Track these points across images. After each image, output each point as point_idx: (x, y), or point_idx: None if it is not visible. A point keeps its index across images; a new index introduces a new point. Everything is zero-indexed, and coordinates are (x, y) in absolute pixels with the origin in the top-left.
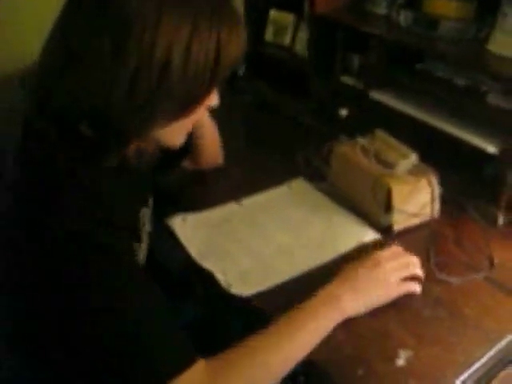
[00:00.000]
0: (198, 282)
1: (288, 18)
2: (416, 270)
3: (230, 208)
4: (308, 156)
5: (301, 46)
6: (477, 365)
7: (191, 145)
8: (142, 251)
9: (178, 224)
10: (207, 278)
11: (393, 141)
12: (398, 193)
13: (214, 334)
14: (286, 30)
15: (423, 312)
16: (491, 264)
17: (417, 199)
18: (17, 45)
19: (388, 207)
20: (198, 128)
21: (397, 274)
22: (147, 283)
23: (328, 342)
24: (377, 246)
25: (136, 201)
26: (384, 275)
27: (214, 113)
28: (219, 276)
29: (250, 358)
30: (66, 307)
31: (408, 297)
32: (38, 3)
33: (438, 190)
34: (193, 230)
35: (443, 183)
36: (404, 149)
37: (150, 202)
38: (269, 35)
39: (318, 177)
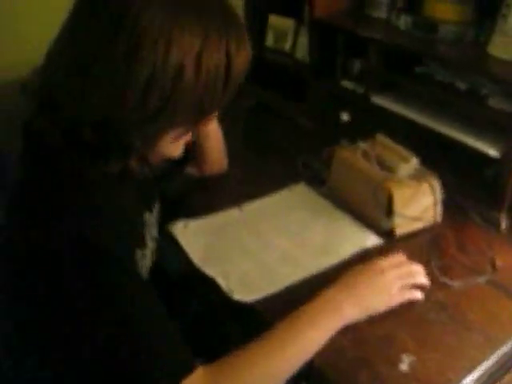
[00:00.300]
0: (199, 287)
1: (288, 23)
2: (419, 278)
3: (231, 213)
4: (309, 160)
5: (301, 51)
6: (480, 369)
7: (193, 151)
8: (146, 256)
9: (180, 230)
10: (209, 283)
11: (394, 145)
12: (400, 197)
13: (214, 338)
14: (286, 35)
15: (426, 316)
16: (494, 268)
17: (418, 203)
18: (18, 50)
19: (389, 211)
20: (204, 136)
21: (400, 282)
22: (146, 289)
23: (330, 346)
24: (379, 251)
25: (139, 205)
26: (386, 284)
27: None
28: (221, 282)
29: (250, 365)
30: (65, 309)
31: (411, 301)
32: (39, 8)
33: (439, 194)
34: (194, 236)
35: (445, 187)
36: (405, 153)
37: (156, 207)
38: (269, 40)
39: (318, 181)
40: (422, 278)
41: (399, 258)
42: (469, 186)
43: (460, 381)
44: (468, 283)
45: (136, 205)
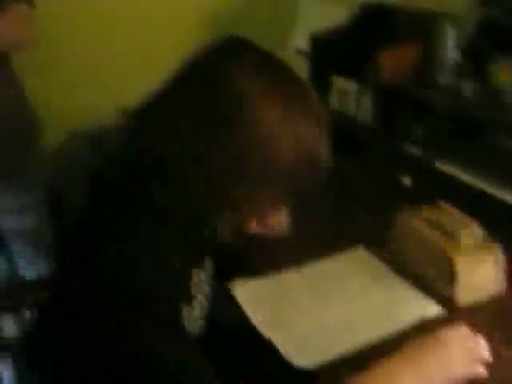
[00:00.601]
0: (255, 347)
1: (351, 85)
2: (484, 353)
3: (290, 274)
4: (369, 223)
5: (364, 113)
6: None
7: None
8: (194, 311)
9: (239, 288)
10: (265, 344)
11: (457, 212)
12: (463, 266)
13: None
14: (348, 97)
15: None
16: None
17: (482, 273)
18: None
19: (452, 280)
20: None
21: (464, 357)
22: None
23: None
24: (441, 322)
25: (188, 259)
26: (450, 358)
27: None
28: (280, 346)
29: None
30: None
31: (474, 377)
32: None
33: (503, 263)
34: (253, 296)
35: (509, 257)
36: (469, 220)
37: (208, 263)
38: (332, 102)
39: (378, 244)
40: (486, 353)
41: (463, 330)
42: None
43: None
44: None
45: (185, 258)
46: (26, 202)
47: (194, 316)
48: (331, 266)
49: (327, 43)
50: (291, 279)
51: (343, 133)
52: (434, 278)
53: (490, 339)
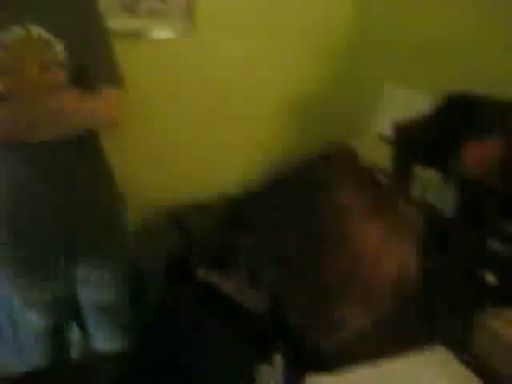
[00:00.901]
0: None
1: (433, 174)
2: None
3: (367, 372)
4: (450, 323)
5: (446, 204)
6: None
7: None
8: None
9: None
10: None
11: None
12: None
13: None
14: (430, 187)
15: None
16: None
17: None
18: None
19: None
20: None
21: None
22: None
23: None
24: None
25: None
26: None
27: None
28: None
29: None
30: None
31: None
32: None
33: None
34: None
35: None
36: None
37: (277, 358)
38: (414, 191)
39: (459, 345)
40: None
41: None
42: None
43: None
44: None
45: (248, 354)
46: (105, 277)
47: None
48: (410, 364)
49: (411, 131)
50: (369, 377)
51: (425, 223)
52: None
53: None
